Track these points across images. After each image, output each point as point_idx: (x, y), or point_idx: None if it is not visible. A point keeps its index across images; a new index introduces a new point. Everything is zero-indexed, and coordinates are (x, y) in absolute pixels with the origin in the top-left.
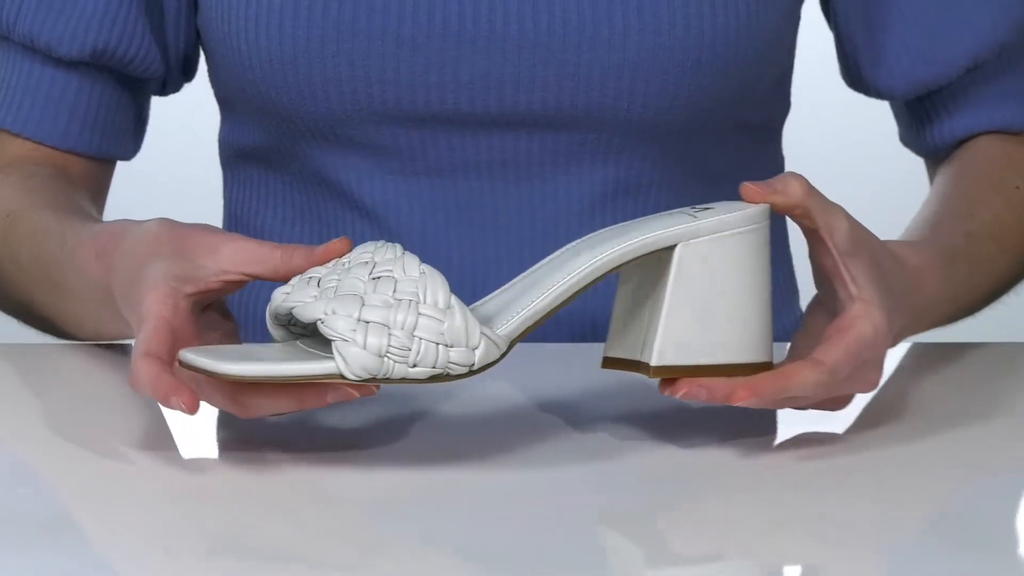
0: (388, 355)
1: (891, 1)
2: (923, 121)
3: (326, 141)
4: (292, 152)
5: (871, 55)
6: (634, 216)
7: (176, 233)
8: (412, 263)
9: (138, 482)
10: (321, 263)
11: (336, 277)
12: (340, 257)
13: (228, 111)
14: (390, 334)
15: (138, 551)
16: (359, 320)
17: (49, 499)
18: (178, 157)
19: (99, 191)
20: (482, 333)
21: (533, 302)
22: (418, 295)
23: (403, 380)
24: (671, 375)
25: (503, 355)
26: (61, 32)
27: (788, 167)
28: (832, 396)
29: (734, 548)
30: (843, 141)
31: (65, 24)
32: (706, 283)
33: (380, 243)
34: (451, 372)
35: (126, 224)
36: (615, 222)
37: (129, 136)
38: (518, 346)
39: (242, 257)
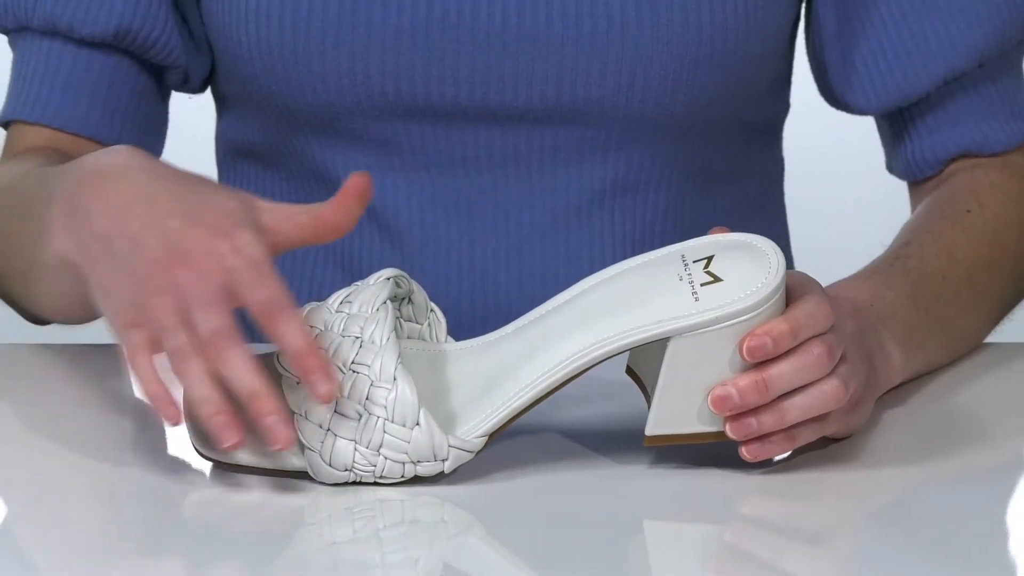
0: (353, 470)
1: (866, 12)
2: (904, 139)
3: (325, 135)
4: (291, 147)
5: (845, 67)
6: (632, 214)
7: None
8: (390, 360)
9: (129, 483)
10: (338, 210)
11: (327, 345)
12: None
13: (226, 106)
14: (356, 450)
15: (126, 551)
16: (328, 431)
17: (38, 500)
18: (175, 157)
19: None
20: (451, 447)
21: (511, 400)
22: (387, 410)
23: (374, 483)
24: (666, 443)
25: (480, 450)
26: (84, 11)
27: (788, 167)
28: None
29: (726, 553)
30: (843, 142)
31: (88, 4)
32: (703, 367)
33: (380, 296)
34: (422, 475)
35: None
36: (614, 219)
37: (150, 131)
38: None
39: (279, 215)
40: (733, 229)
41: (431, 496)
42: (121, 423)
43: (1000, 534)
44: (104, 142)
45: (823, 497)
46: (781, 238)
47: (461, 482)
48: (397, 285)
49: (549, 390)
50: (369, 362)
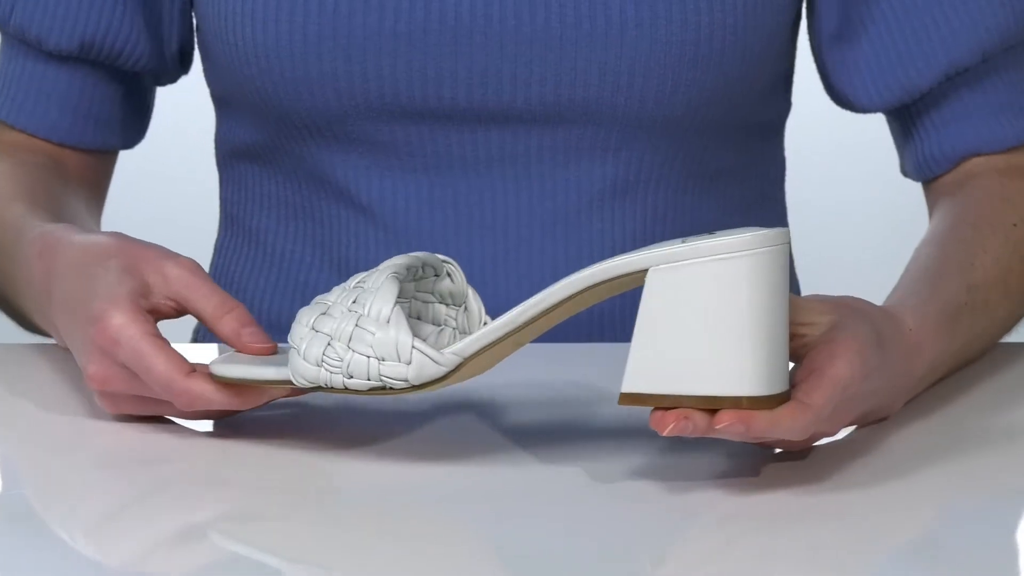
0: (324, 365)
1: (867, 9)
2: (913, 138)
3: (323, 138)
4: (288, 150)
5: (847, 65)
6: (632, 215)
7: (127, 248)
8: (383, 273)
9: (131, 481)
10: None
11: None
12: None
13: (223, 109)
14: (329, 344)
15: (134, 549)
16: (310, 329)
17: (39, 497)
18: (176, 158)
19: (98, 181)
20: (415, 348)
21: (491, 331)
22: (365, 307)
23: (345, 391)
24: (643, 403)
25: (450, 373)
26: (50, 25)
27: (790, 167)
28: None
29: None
30: (845, 142)
31: (53, 17)
32: (684, 310)
33: (416, 254)
34: (391, 386)
35: (72, 231)
36: (614, 220)
37: (128, 126)
38: (528, 345)
39: (185, 288)
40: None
41: (428, 499)
42: (121, 421)
43: (1001, 538)
44: (77, 146)
45: (819, 509)
46: None
47: (460, 482)
48: (409, 270)
49: (529, 321)
50: (370, 277)
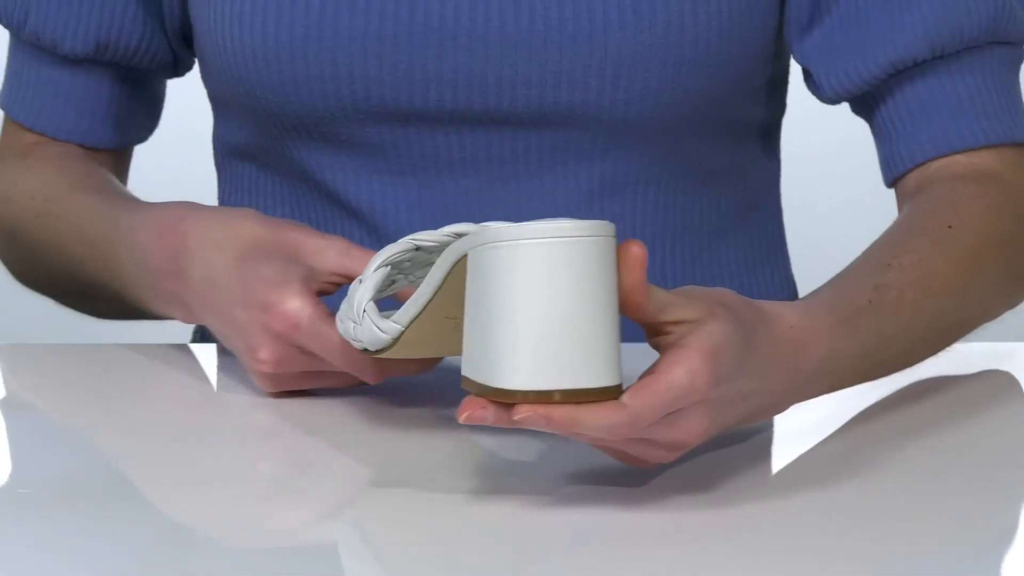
0: (340, 322)
1: (834, 4)
2: (879, 139)
3: (312, 140)
4: (280, 151)
5: (813, 50)
6: (622, 216)
7: (280, 234)
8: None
9: (136, 480)
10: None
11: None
12: None
13: (219, 109)
14: (344, 303)
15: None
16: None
17: (44, 497)
18: (176, 157)
19: (118, 174)
20: (365, 312)
21: (409, 306)
22: (366, 271)
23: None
24: (470, 389)
25: (395, 341)
26: (63, 29)
27: (786, 167)
28: (642, 442)
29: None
30: (843, 142)
31: (66, 21)
32: (485, 298)
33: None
34: (368, 348)
35: (190, 207)
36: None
37: (144, 121)
38: None
39: (352, 261)
40: (727, 230)
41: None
42: (128, 421)
43: (1001, 538)
44: (95, 146)
45: (821, 510)
46: (777, 240)
47: (465, 488)
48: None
49: (434, 294)
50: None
